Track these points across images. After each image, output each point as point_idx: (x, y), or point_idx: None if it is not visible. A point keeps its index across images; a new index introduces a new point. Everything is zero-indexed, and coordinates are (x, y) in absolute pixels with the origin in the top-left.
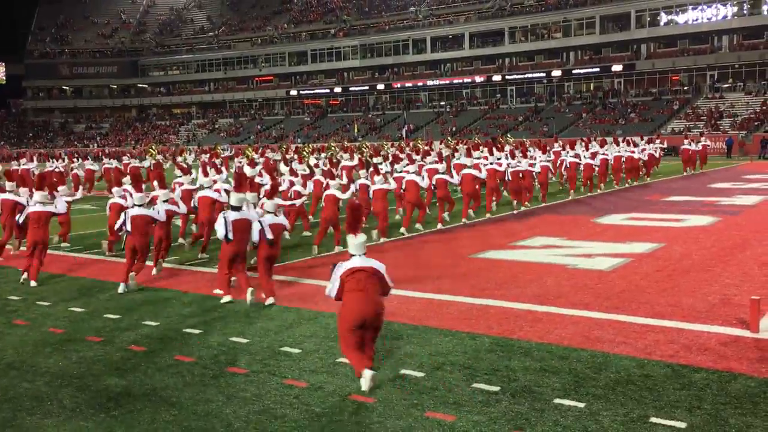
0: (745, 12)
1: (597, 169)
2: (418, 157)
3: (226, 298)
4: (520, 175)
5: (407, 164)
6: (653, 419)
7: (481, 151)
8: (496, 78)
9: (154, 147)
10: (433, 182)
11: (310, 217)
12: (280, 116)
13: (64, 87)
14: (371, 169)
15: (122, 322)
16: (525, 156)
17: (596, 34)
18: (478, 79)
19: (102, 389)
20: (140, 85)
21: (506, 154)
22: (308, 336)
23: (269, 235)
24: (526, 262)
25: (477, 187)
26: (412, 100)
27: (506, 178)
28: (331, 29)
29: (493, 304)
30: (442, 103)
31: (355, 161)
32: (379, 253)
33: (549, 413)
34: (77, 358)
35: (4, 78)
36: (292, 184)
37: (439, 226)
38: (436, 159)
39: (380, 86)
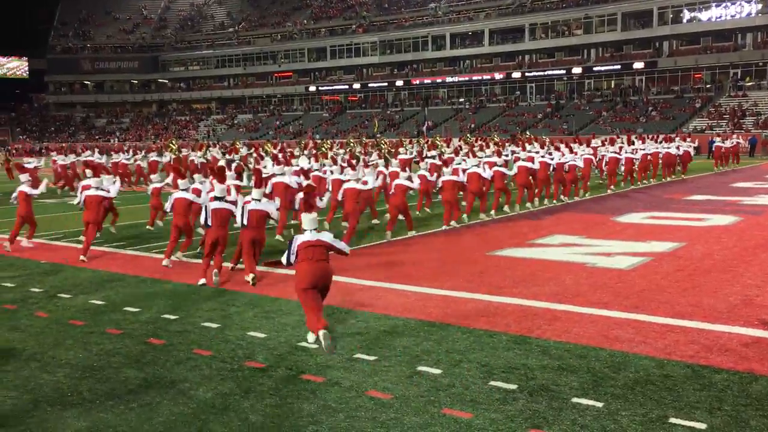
0: None
1: (638, 164)
2: (486, 152)
3: (201, 281)
4: (566, 168)
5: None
6: (672, 420)
7: (533, 145)
8: (516, 75)
9: (173, 142)
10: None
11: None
12: (299, 112)
13: (86, 82)
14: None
15: (141, 315)
16: (571, 150)
17: (618, 31)
18: (498, 76)
19: (121, 381)
20: (160, 81)
21: (550, 148)
22: None
23: (244, 221)
24: (545, 260)
25: (530, 178)
26: (430, 97)
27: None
28: (351, 25)
29: (510, 302)
30: (461, 99)
31: (413, 154)
32: (401, 248)
33: (567, 412)
34: (97, 351)
35: (27, 73)
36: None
37: (505, 209)
38: (494, 152)
39: (399, 83)
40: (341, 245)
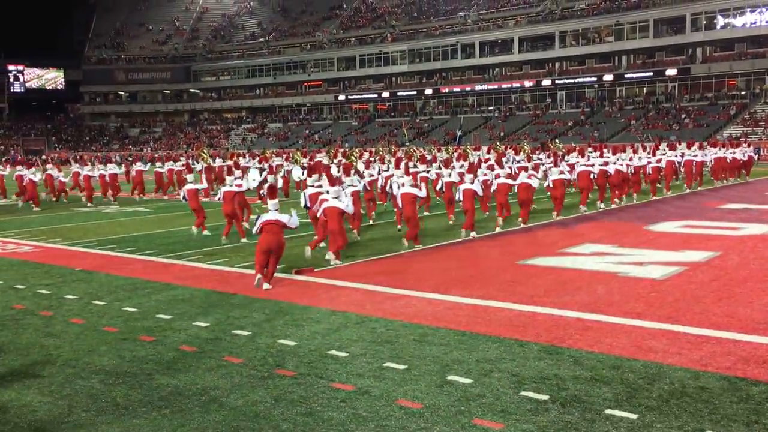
0: None
1: (710, 166)
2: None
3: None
4: (648, 170)
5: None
6: None
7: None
8: (546, 82)
9: (205, 151)
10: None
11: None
12: (329, 121)
13: (120, 92)
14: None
15: (173, 323)
16: (654, 154)
17: (650, 37)
18: (528, 83)
19: (154, 388)
20: (192, 91)
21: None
22: (355, 340)
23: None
24: (576, 270)
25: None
26: (460, 105)
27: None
28: (380, 35)
29: (541, 312)
30: (491, 108)
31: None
32: (430, 256)
33: (600, 424)
34: (130, 357)
35: (63, 84)
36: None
37: (613, 206)
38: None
39: (428, 91)
40: (291, 222)
